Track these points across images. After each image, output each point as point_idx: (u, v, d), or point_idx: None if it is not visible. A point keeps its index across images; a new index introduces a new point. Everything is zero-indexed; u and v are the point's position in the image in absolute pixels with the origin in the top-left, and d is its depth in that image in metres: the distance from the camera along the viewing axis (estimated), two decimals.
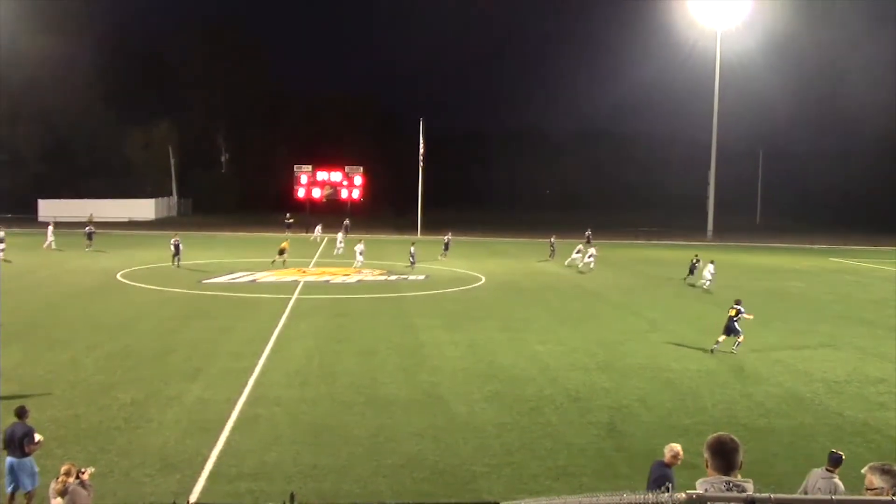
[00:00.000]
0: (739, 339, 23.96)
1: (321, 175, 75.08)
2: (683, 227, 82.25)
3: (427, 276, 39.95)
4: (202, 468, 13.35)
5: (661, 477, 10.29)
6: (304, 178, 74.29)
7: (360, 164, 76.26)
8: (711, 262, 40.37)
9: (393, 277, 39.69)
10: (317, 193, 74.99)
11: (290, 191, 74.89)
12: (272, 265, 42.73)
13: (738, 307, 24.12)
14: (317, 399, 17.68)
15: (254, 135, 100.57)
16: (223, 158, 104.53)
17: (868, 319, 31.41)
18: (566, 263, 47.15)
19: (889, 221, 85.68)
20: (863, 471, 5.77)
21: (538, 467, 14.04)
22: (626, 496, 4.68)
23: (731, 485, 4.07)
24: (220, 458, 13.89)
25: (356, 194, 75.92)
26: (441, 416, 16.67)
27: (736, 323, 23.87)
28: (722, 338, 23.98)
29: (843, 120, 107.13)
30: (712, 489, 4.08)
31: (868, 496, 4.80)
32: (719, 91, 79.32)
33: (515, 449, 14.87)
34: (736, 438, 4.42)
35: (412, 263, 43.08)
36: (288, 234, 55.98)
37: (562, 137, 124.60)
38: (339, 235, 52.49)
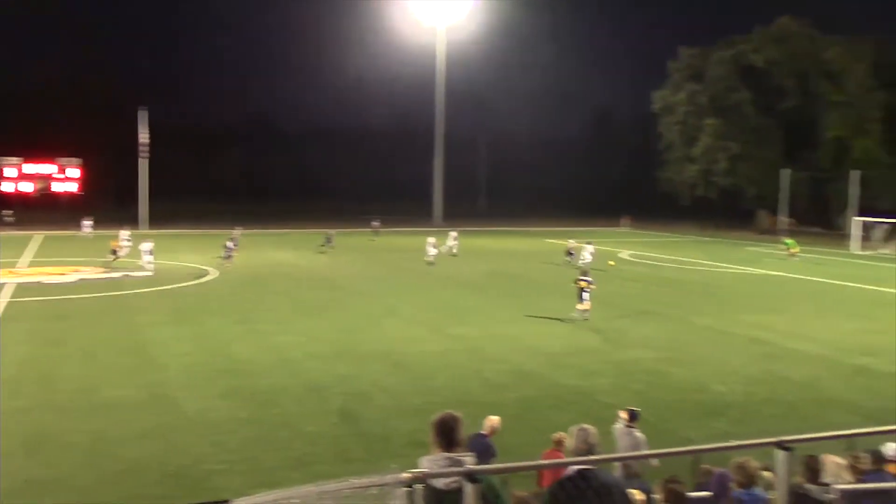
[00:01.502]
0: (586, 307, 27.08)
1: (31, 168, 69.22)
2: (413, 213, 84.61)
3: (155, 273, 37.98)
4: None
5: (483, 446, 11.14)
6: (10, 172, 68.06)
7: (79, 156, 71.20)
8: (589, 242, 44.14)
9: (117, 275, 37.33)
10: (27, 187, 69.10)
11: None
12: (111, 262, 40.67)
13: (587, 279, 27.55)
14: (30, 408, 16.24)
15: None
16: None
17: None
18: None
19: (596, 204, 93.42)
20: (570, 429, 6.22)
21: (275, 459, 13.83)
22: (353, 480, 4.71)
23: (452, 460, 4.17)
24: None
25: (73, 187, 70.78)
26: (170, 416, 15.94)
27: (585, 293, 27.07)
28: (580, 306, 27.16)
29: (558, 109, 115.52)
30: (434, 466, 4.17)
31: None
32: (443, 82, 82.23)
33: (252, 443, 14.55)
34: (458, 415, 4.54)
35: (228, 257, 40.51)
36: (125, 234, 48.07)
37: (294, 128, 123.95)
38: (124, 234, 45.76)
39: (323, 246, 50.38)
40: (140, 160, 68.98)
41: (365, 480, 4.41)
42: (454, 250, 48.83)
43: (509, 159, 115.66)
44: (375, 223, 63.28)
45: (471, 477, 3.70)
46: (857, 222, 59.44)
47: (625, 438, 12.04)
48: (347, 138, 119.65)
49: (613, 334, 25.41)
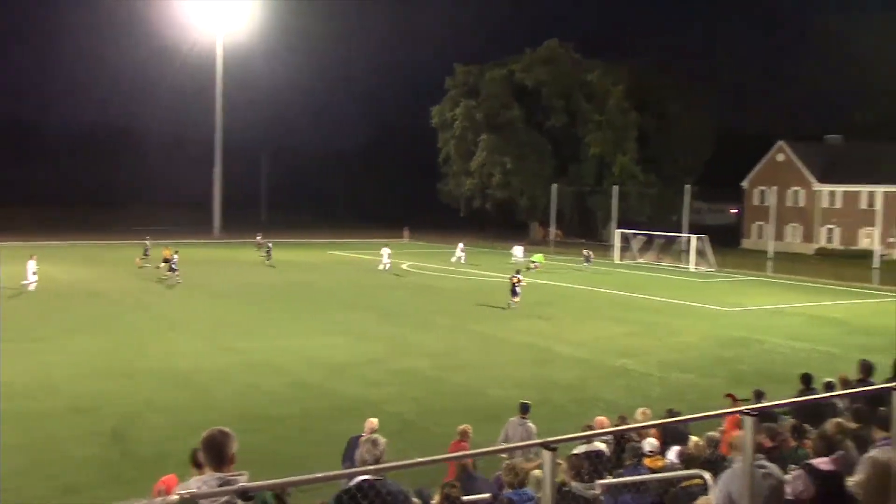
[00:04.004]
0: (517, 300, 33.03)
1: None
2: (191, 225, 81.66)
3: None
4: None
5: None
6: None
7: None
8: (386, 246, 49.03)
9: None
10: None
11: None
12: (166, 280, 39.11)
13: (519, 276, 33.69)
14: None
15: None
16: None
17: (362, 305, 34.32)
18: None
19: (379, 216, 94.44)
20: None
21: (42, 488, 13.01)
22: None
23: (223, 480, 4.15)
24: None
25: None
26: None
27: (517, 287, 33.13)
28: (512, 299, 33.15)
29: (337, 121, 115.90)
30: (205, 486, 4.14)
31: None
32: (223, 92, 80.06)
33: (14, 472, 13.53)
34: (228, 431, 4.51)
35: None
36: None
37: (59, 134, 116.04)
38: None
39: (266, 255, 51.09)
40: None
41: None
42: (462, 260, 54.04)
43: (292, 171, 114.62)
44: (258, 236, 60.61)
45: (244, 495, 3.72)
46: (617, 234, 63.91)
47: (518, 429, 12.91)
48: (119, 146, 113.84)
49: (394, 343, 25.86)
